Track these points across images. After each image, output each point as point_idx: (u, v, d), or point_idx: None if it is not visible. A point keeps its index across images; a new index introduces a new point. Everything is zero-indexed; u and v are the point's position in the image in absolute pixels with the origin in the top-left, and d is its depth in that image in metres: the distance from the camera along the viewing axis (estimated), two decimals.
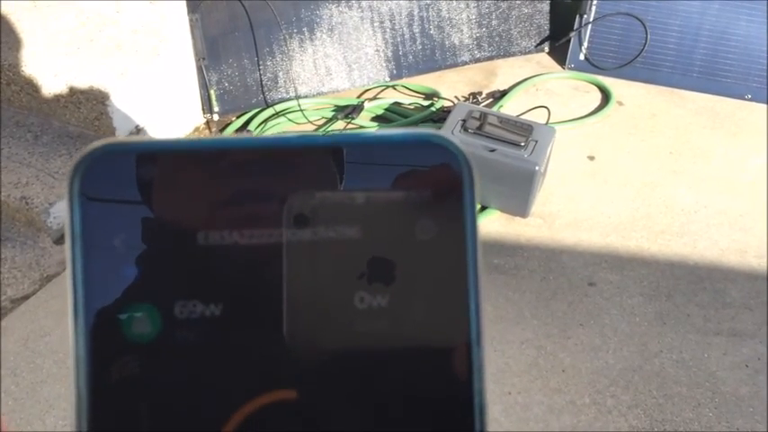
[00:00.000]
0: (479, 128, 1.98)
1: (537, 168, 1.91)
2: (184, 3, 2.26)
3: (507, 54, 2.73)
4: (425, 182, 0.25)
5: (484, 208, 2.06)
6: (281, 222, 0.25)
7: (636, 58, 2.58)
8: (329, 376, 0.25)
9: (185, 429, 0.25)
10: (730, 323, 1.77)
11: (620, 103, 2.50)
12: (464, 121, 2.00)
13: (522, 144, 1.94)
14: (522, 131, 1.97)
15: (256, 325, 0.25)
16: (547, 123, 2.22)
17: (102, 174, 0.24)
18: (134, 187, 0.24)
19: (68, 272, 0.24)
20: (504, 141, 1.95)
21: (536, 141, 1.96)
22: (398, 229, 0.25)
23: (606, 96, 2.52)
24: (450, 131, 1.99)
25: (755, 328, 1.76)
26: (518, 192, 1.97)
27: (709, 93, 2.53)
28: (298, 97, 2.41)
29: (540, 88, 2.59)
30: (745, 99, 2.50)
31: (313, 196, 0.25)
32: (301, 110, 2.36)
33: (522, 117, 2.17)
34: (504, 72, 2.67)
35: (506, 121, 2.01)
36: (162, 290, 0.24)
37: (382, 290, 0.25)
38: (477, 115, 2.02)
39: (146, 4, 2.23)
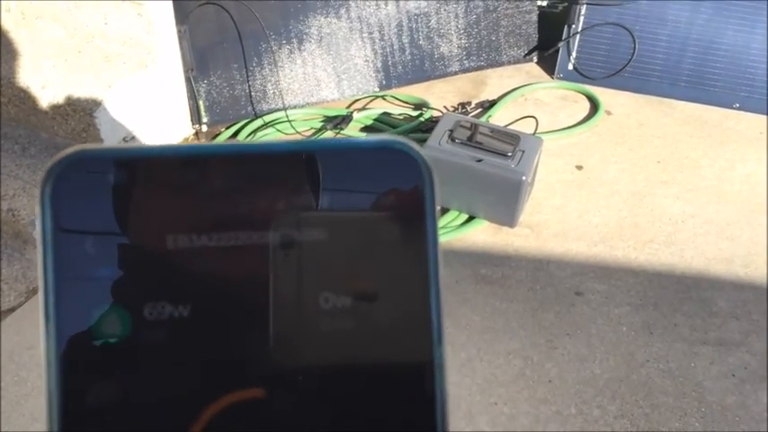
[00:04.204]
0: (466, 138, 1.98)
1: (524, 178, 1.91)
2: (173, 14, 2.26)
3: (496, 64, 2.74)
4: (388, 188, 0.26)
5: (471, 218, 2.06)
6: (246, 227, 0.25)
7: (624, 67, 2.59)
8: (296, 375, 0.26)
9: (154, 429, 0.25)
10: (717, 332, 1.77)
11: (609, 113, 2.51)
12: (451, 131, 2.01)
13: (509, 154, 1.94)
14: (508, 141, 1.97)
15: (223, 326, 0.25)
16: (534, 133, 2.22)
17: (74, 179, 0.25)
18: (105, 192, 0.25)
19: (39, 274, 0.25)
20: (491, 151, 1.95)
21: (523, 151, 1.96)
22: (362, 232, 0.26)
23: (595, 106, 2.53)
24: (437, 142, 1.99)
25: (742, 337, 1.76)
26: (505, 202, 1.98)
27: (697, 102, 2.54)
28: (285, 108, 2.41)
29: (528, 98, 2.60)
30: (734, 108, 2.51)
31: (283, 203, 0.26)
32: (289, 120, 2.36)
33: (509, 127, 2.18)
34: (494, 82, 2.68)
35: (493, 131, 2.01)
36: (131, 292, 0.25)
37: (346, 291, 0.25)
38: (464, 125, 2.02)
39: (134, 15, 2.23)
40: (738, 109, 2.50)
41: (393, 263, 0.26)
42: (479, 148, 1.96)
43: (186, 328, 0.25)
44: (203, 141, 2.37)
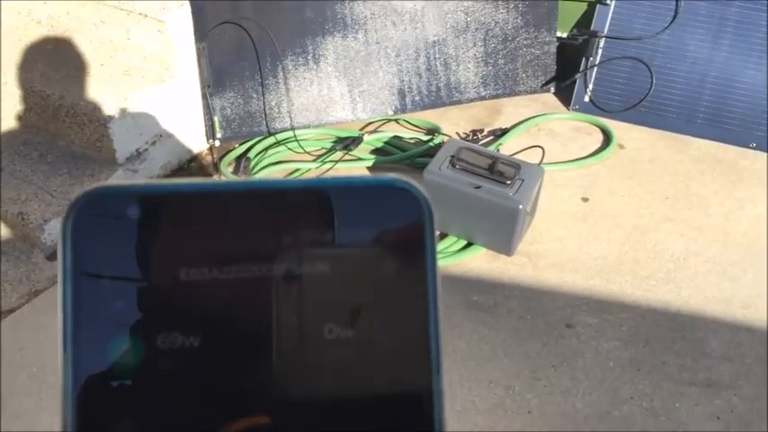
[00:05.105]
0: (467, 164, 1.99)
1: (520, 207, 1.91)
2: (192, 32, 2.33)
3: (513, 93, 2.74)
4: (391, 225, 0.27)
5: (469, 244, 2.06)
6: (253, 260, 0.27)
7: (641, 102, 2.58)
8: (299, 403, 0.27)
9: None
10: (706, 373, 1.74)
11: (621, 147, 2.49)
12: (452, 156, 2.02)
13: (508, 182, 1.94)
14: (509, 170, 1.97)
15: (231, 355, 0.27)
16: (540, 163, 2.22)
17: (94, 214, 0.26)
18: (123, 227, 0.26)
19: (59, 305, 0.26)
20: (490, 179, 1.96)
21: (522, 180, 1.96)
22: (364, 267, 0.27)
23: (608, 139, 2.52)
24: (438, 167, 2.01)
25: (732, 380, 1.72)
26: (502, 229, 1.98)
27: (713, 140, 2.51)
28: (294, 128, 2.45)
29: (542, 128, 2.59)
30: (750, 147, 2.47)
31: (290, 238, 0.27)
32: (297, 140, 2.40)
33: (515, 156, 2.18)
34: (509, 111, 2.68)
35: (495, 159, 2.02)
36: (146, 322, 0.26)
37: (348, 323, 0.27)
38: (466, 151, 2.03)
39: (154, 32, 2.30)
40: (755, 149, 2.47)
41: (394, 297, 0.27)
42: (479, 175, 1.97)
43: (197, 357, 0.26)
44: (218, 158, 2.41)
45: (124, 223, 0.26)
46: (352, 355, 0.27)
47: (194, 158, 2.48)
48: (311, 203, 0.27)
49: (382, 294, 0.27)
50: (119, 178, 2.24)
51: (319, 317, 0.27)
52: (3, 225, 2.09)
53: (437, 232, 0.27)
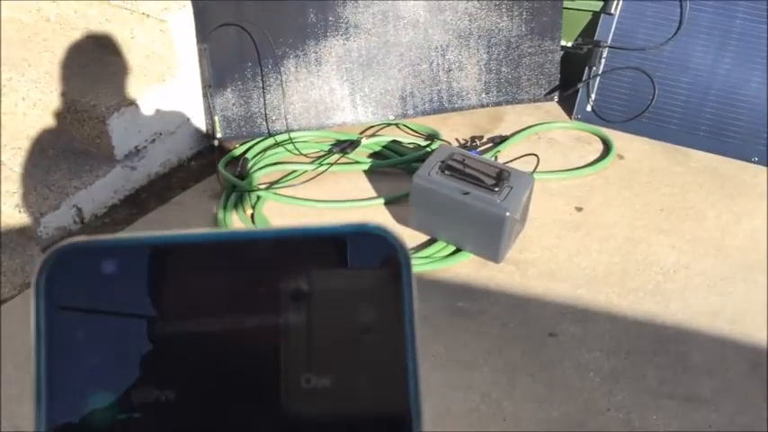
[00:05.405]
0: (456, 170, 2.00)
1: (507, 214, 1.91)
2: (194, 32, 2.36)
3: (516, 101, 2.74)
4: (367, 271, 0.27)
5: (458, 250, 2.06)
6: (228, 312, 0.27)
7: (642, 112, 2.56)
8: None
9: None
10: (687, 388, 1.72)
11: (621, 157, 2.48)
12: (443, 162, 2.02)
13: (496, 189, 1.94)
14: (498, 177, 1.97)
15: (209, 409, 0.27)
16: (533, 172, 2.21)
17: (67, 270, 0.26)
18: (96, 281, 0.26)
19: (32, 362, 0.26)
20: (478, 185, 1.96)
21: (511, 188, 1.96)
22: (341, 314, 0.27)
23: (608, 149, 2.50)
24: (427, 172, 2.01)
25: (712, 394, 1.70)
26: (489, 236, 1.97)
27: (715, 153, 2.48)
28: (289, 130, 2.47)
29: (542, 137, 2.59)
30: (752, 161, 2.44)
31: (265, 287, 0.27)
32: (293, 142, 2.42)
33: (509, 164, 2.18)
34: (511, 118, 2.68)
35: (485, 166, 2.02)
36: (120, 376, 0.26)
37: (326, 372, 0.27)
38: (456, 157, 2.03)
39: (157, 31, 2.33)
40: (757, 163, 2.44)
41: (372, 343, 0.27)
42: (468, 181, 1.97)
43: (172, 411, 0.26)
44: (218, 157, 2.44)
45: (97, 277, 0.26)
46: (329, 405, 0.27)
47: (194, 157, 2.51)
48: (285, 253, 0.27)
49: (359, 343, 0.27)
50: (116, 175, 2.27)
51: (296, 367, 0.27)
52: (1, 217, 2.13)
53: (413, 276, 0.27)
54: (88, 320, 0.26)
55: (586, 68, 2.64)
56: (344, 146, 2.43)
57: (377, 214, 2.22)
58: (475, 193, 1.95)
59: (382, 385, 0.27)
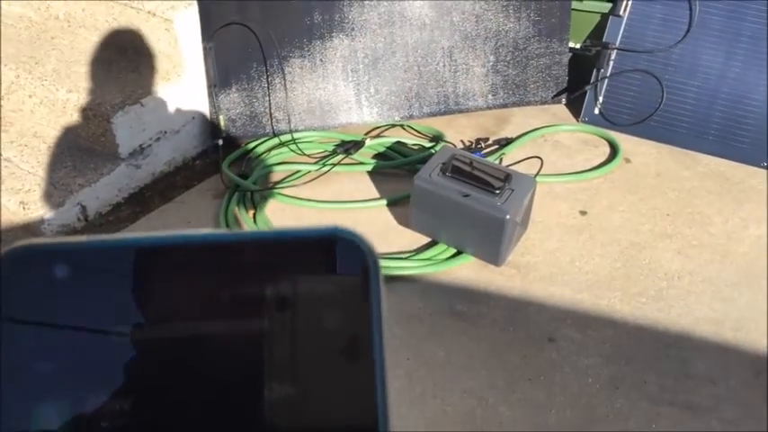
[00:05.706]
0: (458, 172, 1.98)
1: (507, 217, 1.89)
2: (199, 31, 2.36)
3: (523, 103, 2.72)
4: (337, 275, 0.27)
5: (459, 253, 2.05)
6: (187, 317, 0.26)
7: (650, 116, 2.53)
8: None
9: None
10: (687, 395, 1.70)
11: (627, 161, 2.45)
12: (444, 163, 2.01)
13: (497, 191, 1.93)
14: (499, 179, 1.95)
15: (164, 417, 0.26)
16: (537, 174, 2.19)
17: (21, 273, 0.25)
18: (50, 285, 0.25)
19: None
20: (479, 187, 1.94)
21: (512, 190, 1.94)
22: (309, 319, 0.26)
23: (614, 152, 2.47)
24: (428, 173, 2.00)
25: (714, 403, 1.68)
26: (489, 239, 1.96)
27: (723, 157, 2.45)
28: (292, 131, 2.46)
29: (548, 139, 2.57)
30: (762, 166, 2.41)
31: (230, 291, 0.26)
32: (295, 142, 2.41)
33: (512, 166, 2.16)
34: (517, 120, 2.66)
35: (486, 168, 2.00)
36: (72, 384, 0.25)
37: (290, 380, 0.26)
38: (458, 159, 2.02)
39: (162, 30, 2.33)
40: (766, 168, 2.40)
41: (340, 349, 0.26)
42: (468, 183, 1.96)
43: (126, 419, 0.25)
44: (221, 155, 2.44)
45: (51, 281, 0.25)
46: (293, 414, 0.26)
47: (198, 156, 2.51)
48: (255, 257, 0.26)
49: (326, 349, 0.26)
50: (121, 173, 2.28)
51: (259, 374, 0.26)
52: (5, 213, 2.14)
53: (382, 283, 0.26)
54: (41, 325, 0.25)
55: (594, 71, 2.61)
56: (348, 146, 2.42)
57: (380, 215, 2.21)
58: (475, 196, 1.93)
59: (349, 391, 0.26)
